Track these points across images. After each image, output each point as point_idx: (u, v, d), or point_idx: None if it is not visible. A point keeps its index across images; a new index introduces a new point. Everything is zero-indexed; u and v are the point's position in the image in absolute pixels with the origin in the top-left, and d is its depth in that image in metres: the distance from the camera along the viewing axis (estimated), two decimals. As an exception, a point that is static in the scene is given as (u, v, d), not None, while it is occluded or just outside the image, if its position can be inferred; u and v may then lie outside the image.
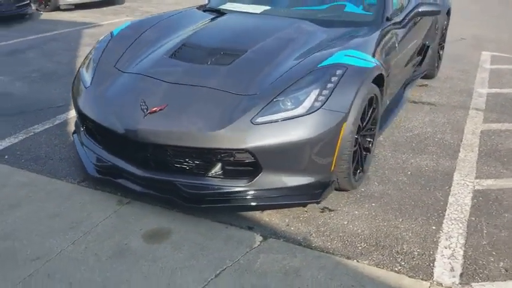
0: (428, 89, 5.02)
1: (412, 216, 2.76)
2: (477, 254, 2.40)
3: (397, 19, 3.73)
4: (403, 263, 2.35)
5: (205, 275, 2.24)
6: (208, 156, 2.53)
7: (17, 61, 5.94)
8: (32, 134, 3.80)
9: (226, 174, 2.58)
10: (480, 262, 2.34)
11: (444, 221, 2.72)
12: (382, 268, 2.31)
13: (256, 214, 2.74)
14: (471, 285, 2.19)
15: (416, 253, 2.42)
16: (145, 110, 2.61)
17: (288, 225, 2.66)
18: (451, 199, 2.94)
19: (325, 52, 2.88)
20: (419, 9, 3.75)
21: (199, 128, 2.49)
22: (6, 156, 3.39)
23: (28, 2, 8.97)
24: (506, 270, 2.29)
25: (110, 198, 2.85)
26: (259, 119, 2.48)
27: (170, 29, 3.50)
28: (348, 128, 2.61)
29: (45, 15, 9.58)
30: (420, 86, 5.11)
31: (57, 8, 10.11)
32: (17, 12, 8.71)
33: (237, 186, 2.55)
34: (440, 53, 5.42)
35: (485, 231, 2.62)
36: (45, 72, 5.47)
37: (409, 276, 2.24)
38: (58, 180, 3.07)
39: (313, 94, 2.55)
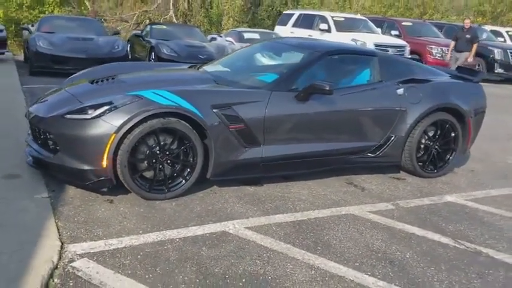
0: (393, 181, 4.83)
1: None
2: None
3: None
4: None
5: (-13, 194, 3.61)
6: (40, 132, 3.89)
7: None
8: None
9: (52, 149, 3.84)
10: None
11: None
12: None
13: (71, 187, 3.88)
14: None
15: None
16: (37, 100, 4.19)
17: (71, 198, 3.74)
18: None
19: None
20: (312, 84, 4.11)
21: (41, 113, 3.90)
22: None
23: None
24: None
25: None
26: (67, 116, 3.71)
27: (136, 69, 4.96)
28: (117, 138, 3.54)
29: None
30: (393, 177, 4.94)
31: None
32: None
33: (48, 157, 3.80)
34: (448, 157, 5.03)
35: None
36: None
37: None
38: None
39: (103, 108, 3.62)
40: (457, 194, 4.61)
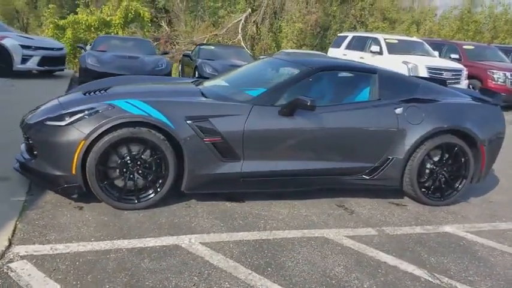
0: (390, 207, 4.49)
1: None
2: None
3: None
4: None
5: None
6: (26, 138, 4.04)
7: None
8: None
9: (34, 154, 3.98)
10: None
11: None
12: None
13: (50, 193, 3.96)
14: None
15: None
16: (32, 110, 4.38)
17: (45, 202, 3.82)
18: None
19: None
20: (294, 99, 3.97)
21: (29, 120, 4.06)
22: None
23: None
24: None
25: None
26: (46, 122, 3.84)
27: (134, 82, 5.07)
28: (85, 146, 3.60)
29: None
30: (393, 203, 4.60)
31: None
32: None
33: (30, 162, 3.93)
34: (457, 185, 4.61)
35: None
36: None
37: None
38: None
39: (77, 116, 3.71)
40: (458, 225, 4.19)
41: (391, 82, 4.58)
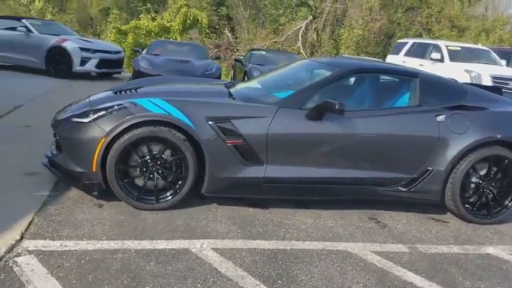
0: (429, 222, 4.12)
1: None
2: None
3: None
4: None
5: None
6: (54, 134, 4.08)
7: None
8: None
9: (60, 150, 4.01)
10: None
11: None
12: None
13: (74, 189, 3.97)
14: None
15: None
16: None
17: (68, 198, 3.83)
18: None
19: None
20: (323, 102, 3.75)
21: (58, 117, 4.10)
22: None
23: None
24: None
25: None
26: (72, 119, 3.86)
27: (163, 83, 5.02)
28: (105, 143, 3.57)
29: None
30: (433, 218, 4.23)
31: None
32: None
33: (56, 158, 3.96)
34: (507, 203, 4.17)
35: None
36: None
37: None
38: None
39: (100, 113, 3.69)
40: (504, 247, 3.77)
41: (433, 87, 4.22)
